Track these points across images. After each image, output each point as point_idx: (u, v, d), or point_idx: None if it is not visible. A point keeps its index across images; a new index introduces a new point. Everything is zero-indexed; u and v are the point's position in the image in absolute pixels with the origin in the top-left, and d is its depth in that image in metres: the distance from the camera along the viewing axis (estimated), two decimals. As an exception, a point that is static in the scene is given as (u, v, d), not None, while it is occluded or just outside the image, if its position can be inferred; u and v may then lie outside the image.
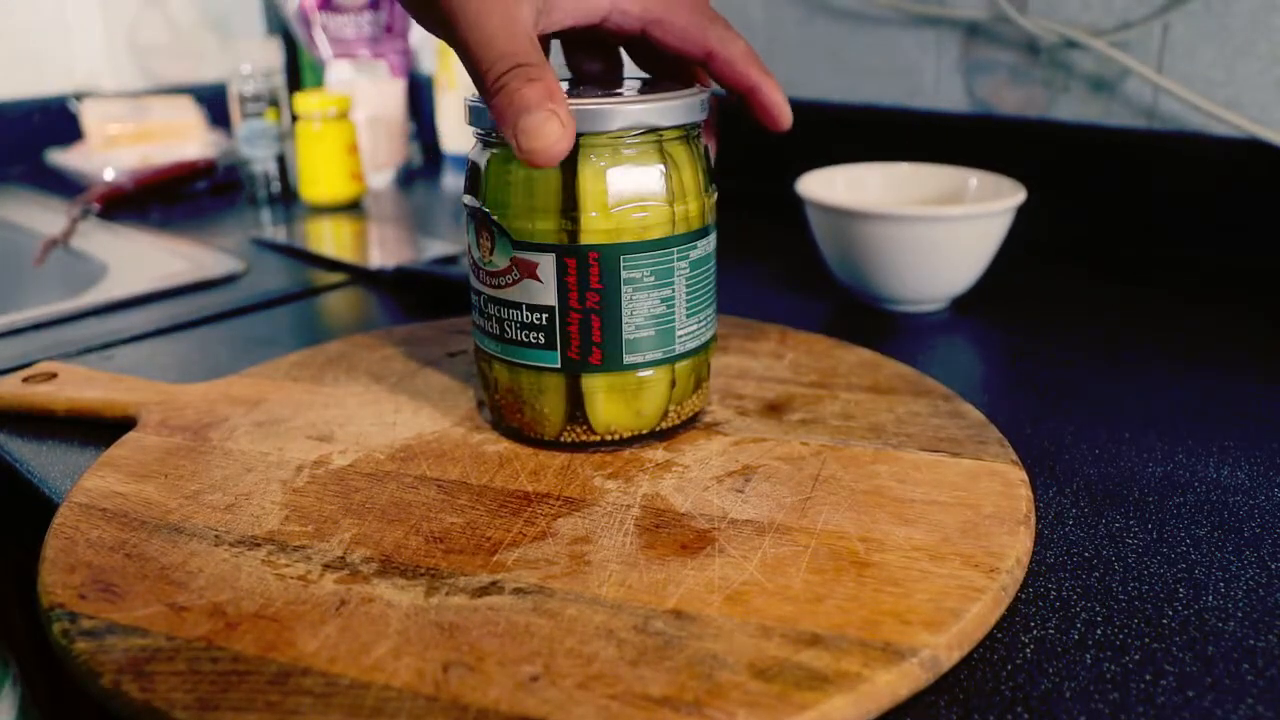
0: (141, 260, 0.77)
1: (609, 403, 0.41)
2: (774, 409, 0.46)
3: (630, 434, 0.42)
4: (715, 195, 0.42)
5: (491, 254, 0.40)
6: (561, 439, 0.42)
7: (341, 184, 0.93)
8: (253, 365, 0.54)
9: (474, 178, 0.41)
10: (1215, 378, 0.52)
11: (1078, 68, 0.74)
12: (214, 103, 1.16)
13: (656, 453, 0.42)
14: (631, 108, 0.38)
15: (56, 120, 1.17)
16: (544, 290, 0.39)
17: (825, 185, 0.65)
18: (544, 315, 0.40)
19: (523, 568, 0.34)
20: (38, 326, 0.64)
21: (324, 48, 1.08)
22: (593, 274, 0.39)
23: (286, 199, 0.98)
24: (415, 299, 0.67)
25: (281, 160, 0.98)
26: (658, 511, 0.38)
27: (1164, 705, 0.29)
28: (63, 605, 0.33)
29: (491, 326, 0.41)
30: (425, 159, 1.14)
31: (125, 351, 0.59)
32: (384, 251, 0.80)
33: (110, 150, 1.06)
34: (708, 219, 0.41)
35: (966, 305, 0.63)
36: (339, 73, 1.03)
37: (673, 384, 0.42)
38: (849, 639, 0.30)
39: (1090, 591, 0.35)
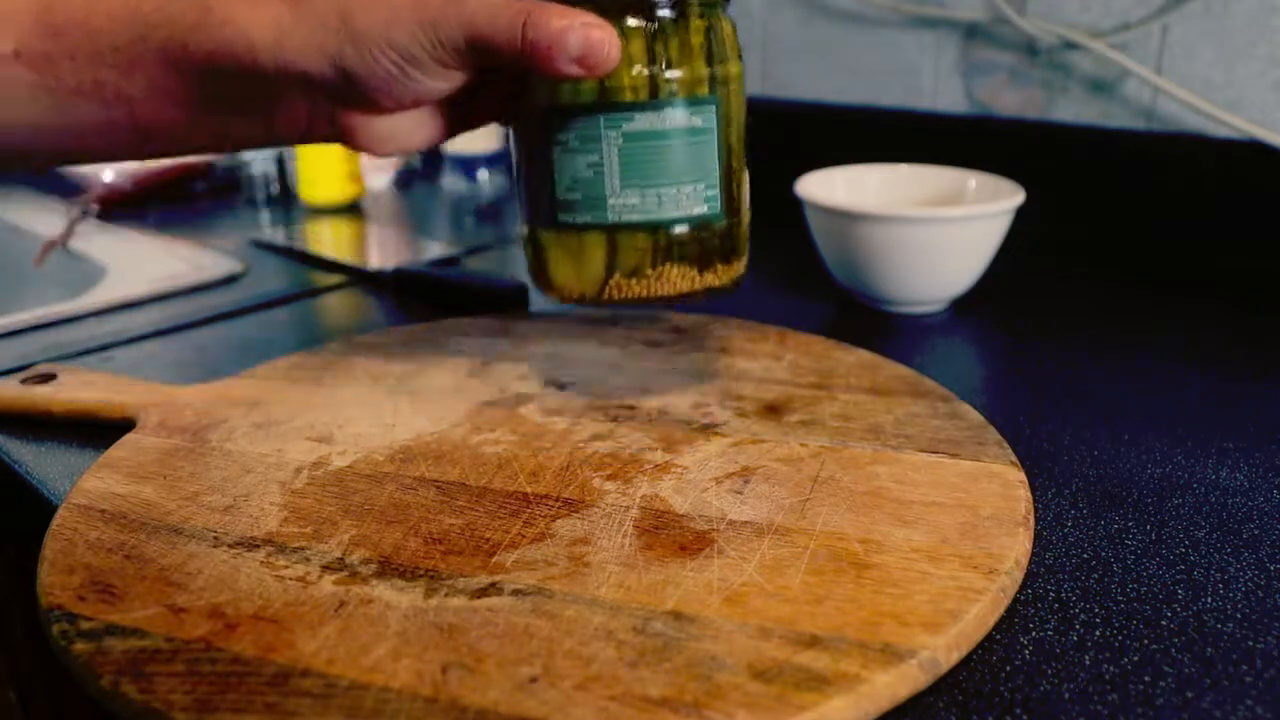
0: (140, 262, 0.77)
1: (557, 259, 0.42)
2: (773, 410, 0.46)
3: (577, 294, 0.42)
4: (691, 76, 0.40)
5: None
6: (543, 290, 0.44)
7: (340, 185, 0.93)
8: (251, 367, 0.54)
9: None
10: (1215, 378, 0.52)
11: (1076, 69, 0.74)
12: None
13: (655, 454, 0.42)
14: None
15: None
16: (514, 143, 0.43)
17: (825, 186, 0.65)
18: (514, 166, 0.43)
19: (522, 569, 0.34)
20: (37, 328, 0.63)
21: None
22: (534, 130, 0.41)
23: (285, 200, 0.98)
24: (414, 300, 0.67)
25: (280, 162, 0.98)
26: (656, 513, 0.38)
27: (1163, 707, 0.29)
28: (61, 606, 0.33)
29: None
30: (424, 160, 1.14)
31: (124, 353, 0.59)
32: (383, 253, 0.80)
33: (109, 151, 1.06)
34: (669, 92, 0.40)
35: (966, 306, 0.63)
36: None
37: (612, 253, 0.41)
38: (848, 640, 0.30)
39: (1089, 593, 0.35)
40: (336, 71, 0.36)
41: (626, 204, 0.40)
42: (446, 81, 0.37)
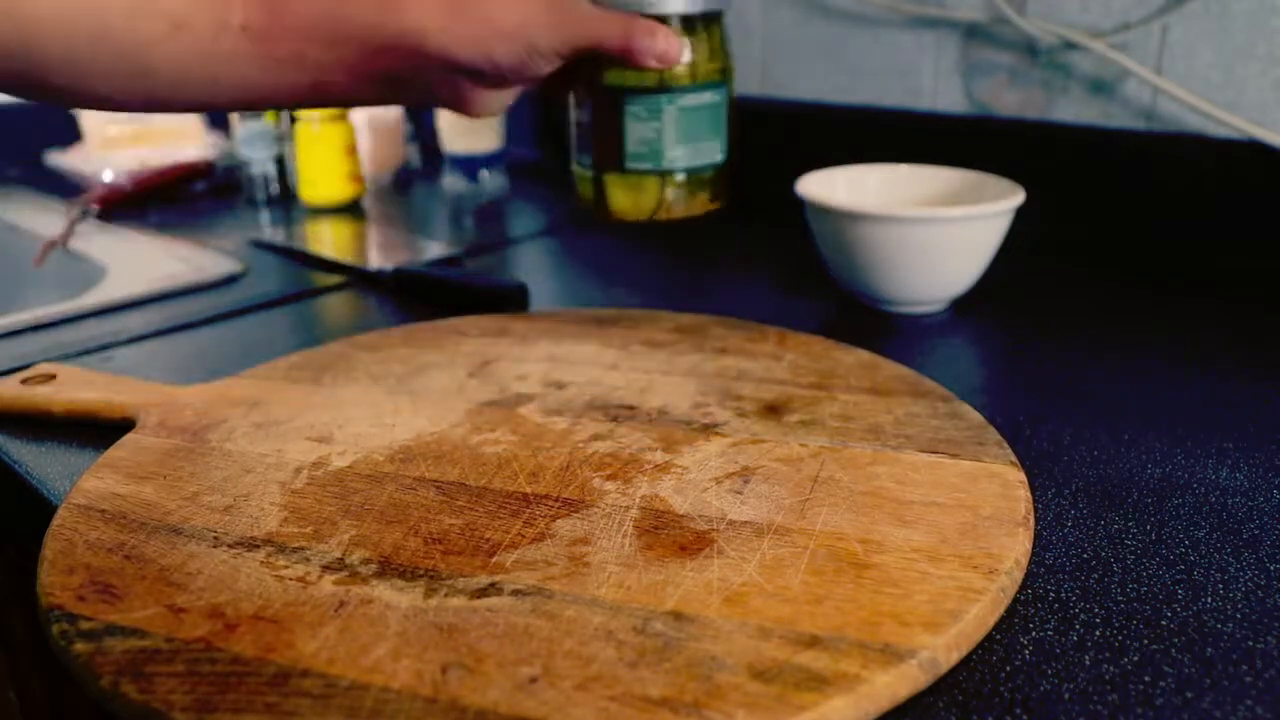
0: (140, 262, 0.77)
1: (619, 194, 0.56)
2: (773, 410, 0.46)
3: (631, 218, 0.56)
4: (714, 68, 0.54)
5: None
6: (600, 217, 0.57)
7: (340, 185, 0.93)
8: (251, 367, 0.54)
9: None
10: (1215, 378, 0.52)
11: (1077, 69, 0.74)
12: (213, 104, 1.16)
13: (655, 454, 0.42)
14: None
15: (56, 121, 1.17)
16: (585, 114, 0.55)
17: (825, 187, 0.65)
18: (585, 131, 0.56)
19: (521, 569, 0.34)
20: (37, 328, 0.63)
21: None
22: (608, 103, 0.54)
23: (285, 200, 0.98)
24: (414, 300, 0.67)
25: (280, 161, 0.98)
26: (656, 513, 0.38)
27: (1163, 707, 0.29)
28: (61, 606, 0.33)
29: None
30: (424, 160, 1.14)
31: (124, 353, 0.59)
32: (382, 253, 0.80)
33: (109, 152, 1.06)
34: (699, 79, 0.54)
35: (966, 306, 0.63)
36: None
37: (662, 188, 0.55)
38: (848, 640, 0.30)
39: (1089, 593, 0.35)
40: (484, 58, 0.45)
41: (676, 155, 0.55)
42: (551, 67, 0.47)
